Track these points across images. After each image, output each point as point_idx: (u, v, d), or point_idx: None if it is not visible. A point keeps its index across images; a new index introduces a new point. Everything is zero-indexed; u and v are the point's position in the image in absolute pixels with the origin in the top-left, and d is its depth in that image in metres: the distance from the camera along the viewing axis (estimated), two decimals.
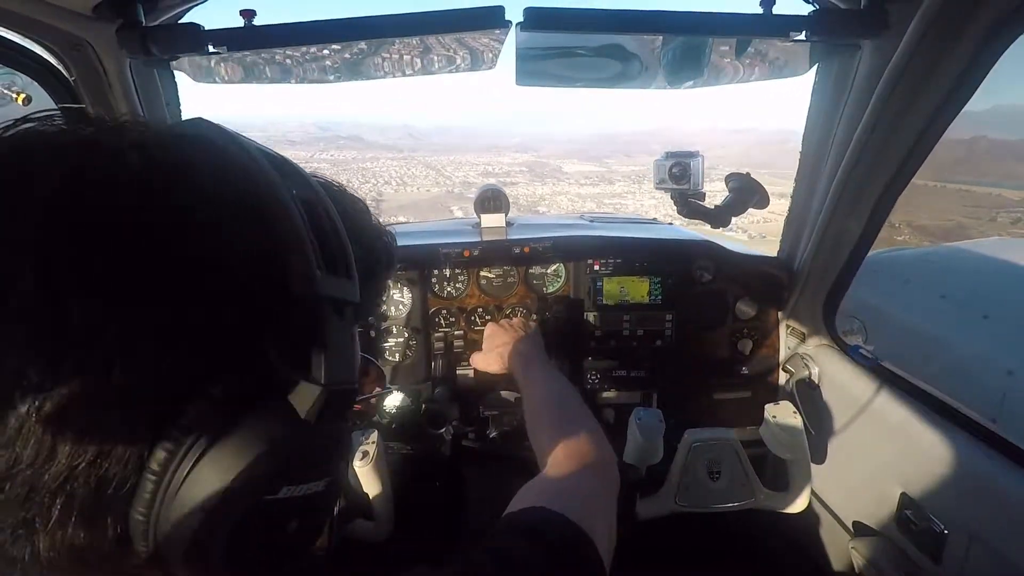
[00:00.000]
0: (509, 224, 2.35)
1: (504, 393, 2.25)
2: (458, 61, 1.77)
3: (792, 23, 1.41)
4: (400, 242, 2.47)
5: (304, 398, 0.46)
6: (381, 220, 0.72)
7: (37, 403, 0.38)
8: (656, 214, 1.86)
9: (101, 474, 0.41)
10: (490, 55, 1.69)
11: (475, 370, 1.79)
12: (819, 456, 1.96)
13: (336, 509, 1.55)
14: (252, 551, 0.47)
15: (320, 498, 0.50)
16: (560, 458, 1.01)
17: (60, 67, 1.56)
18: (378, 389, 0.99)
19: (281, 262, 0.46)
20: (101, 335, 0.39)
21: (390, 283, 2.20)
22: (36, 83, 1.55)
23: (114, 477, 0.41)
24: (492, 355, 1.68)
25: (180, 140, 0.50)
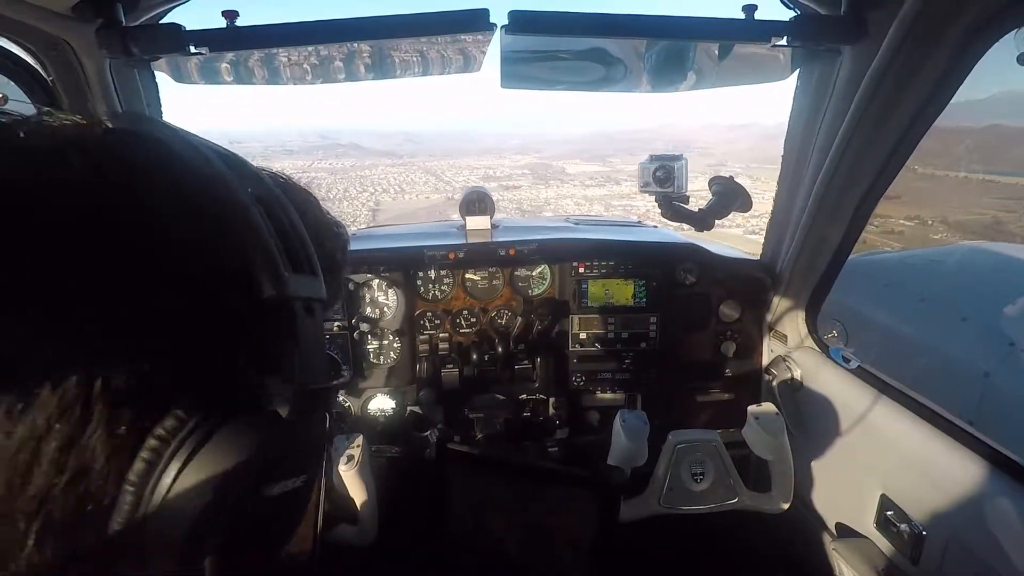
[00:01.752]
0: (494, 226, 2.35)
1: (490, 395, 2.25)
2: (443, 64, 1.77)
3: (774, 28, 1.43)
4: (384, 244, 2.45)
5: (281, 398, 0.46)
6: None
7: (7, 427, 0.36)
8: None
9: (80, 492, 0.39)
10: (476, 58, 1.69)
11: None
12: (801, 458, 1.98)
13: (320, 512, 1.53)
14: (236, 553, 0.46)
15: (298, 495, 0.49)
16: None
17: (38, 67, 1.54)
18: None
19: (247, 265, 0.45)
20: (74, 355, 0.38)
21: (374, 285, 2.19)
22: (13, 83, 1.53)
23: (93, 495, 0.40)
24: None
25: (125, 140, 0.47)
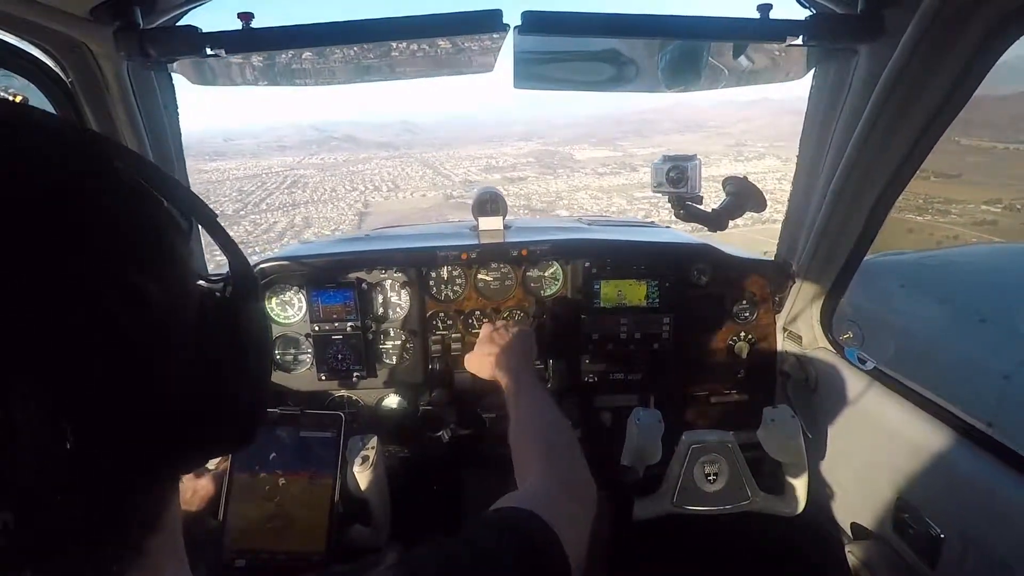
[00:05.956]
0: (507, 227, 2.35)
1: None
2: (456, 64, 1.77)
3: (789, 28, 1.42)
4: (397, 244, 2.45)
5: None
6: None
7: None
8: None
9: None
10: (489, 58, 1.69)
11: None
12: (816, 459, 1.96)
13: (332, 512, 1.55)
14: None
15: None
16: (544, 478, 1.07)
17: (57, 70, 1.56)
18: None
19: None
20: None
21: (387, 285, 2.20)
22: (33, 86, 1.55)
23: None
24: (484, 361, 1.65)
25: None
